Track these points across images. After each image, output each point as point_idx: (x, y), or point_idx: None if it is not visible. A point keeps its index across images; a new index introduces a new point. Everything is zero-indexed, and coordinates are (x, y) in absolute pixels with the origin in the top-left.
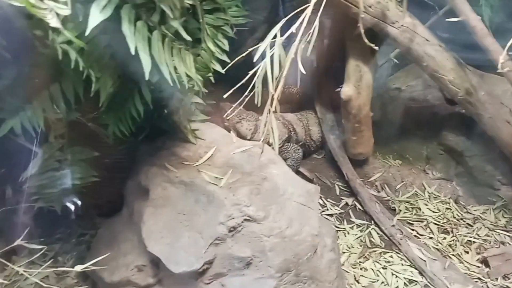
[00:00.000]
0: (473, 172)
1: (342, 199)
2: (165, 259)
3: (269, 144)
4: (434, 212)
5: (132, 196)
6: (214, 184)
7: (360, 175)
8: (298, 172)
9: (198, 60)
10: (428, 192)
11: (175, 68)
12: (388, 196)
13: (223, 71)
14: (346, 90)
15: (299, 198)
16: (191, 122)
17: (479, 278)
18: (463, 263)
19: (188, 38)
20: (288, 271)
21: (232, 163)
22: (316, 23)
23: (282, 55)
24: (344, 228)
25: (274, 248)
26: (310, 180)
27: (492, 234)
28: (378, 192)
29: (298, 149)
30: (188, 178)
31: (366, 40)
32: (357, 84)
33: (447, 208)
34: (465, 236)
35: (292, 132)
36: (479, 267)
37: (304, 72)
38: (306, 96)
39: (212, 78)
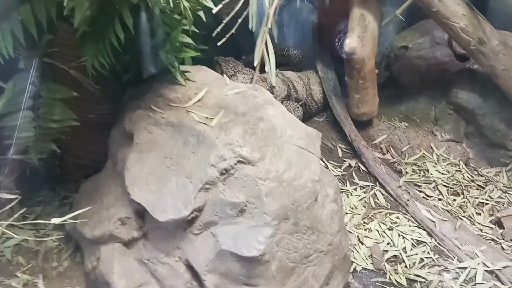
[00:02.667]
0: (485, 132)
1: (345, 161)
2: (150, 207)
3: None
4: (443, 174)
5: (116, 145)
6: (204, 124)
7: (364, 138)
8: None
9: None
10: (436, 154)
11: None
12: (394, 158)
13: (215, 9)
14: (350, 42)
15: (298, 141)
16: (180, 63)
17: (493, 239)
18: (475, 225)
19: None
20: (286, 219)
21: (224, 104)
22: None
23: None
24: (347, 190)
25: (270, 193)
26: None
27: (506, 196)
28: (383, 154)
29: (298, 107)
30: (176, 119)
31: None
32: (361, 36)
33: (457, 170)
34: (476, 198)
35: (292, 90)
36: (492, 228)
37: None
38: (306, 57)
39: (203, 16)
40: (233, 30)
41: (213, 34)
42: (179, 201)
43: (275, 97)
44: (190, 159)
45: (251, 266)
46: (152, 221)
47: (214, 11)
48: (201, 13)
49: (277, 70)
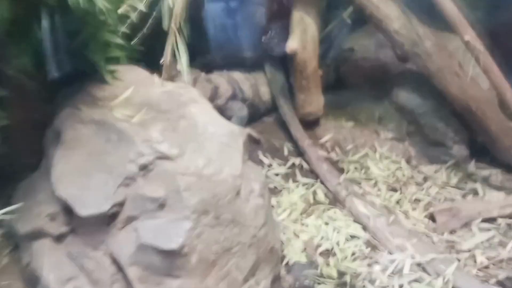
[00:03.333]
0: (425, 130)
1: (290, 159)
2: (73, 202)
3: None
4: (383, 171)
5: (49, 144)
6: (126, 121)
7: (311, 137)
8: None
9: None
10: (379, 152)
11: None
12: (338, 156)
13: (143, 8)
14: (291, 44)
15: (220, 137)
16: (108, 62)
17: (425, 233)
18: (409, 219)
19: None
20: (206, 213)
21: (149, 102)
22: None
23: None
24: (289, 187)
25: (189, 187)
26: (257, 141)
27: (443, 192)
28: (328, 153)
29: (243, 108)
30: (100, 117)
31: None
32: (302, 38)
33: (397, 168)
34: (414, 194)
35: (238, 90)
36: (426, 222)
37: None
38: (256, 57)
39: (133, 17)
40: (144, 30)
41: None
42: (100, 197)
43: (219, 97)
44: (112, 156)
45: (171, 258)
46: (78, 217)
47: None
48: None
49: (224, 70)
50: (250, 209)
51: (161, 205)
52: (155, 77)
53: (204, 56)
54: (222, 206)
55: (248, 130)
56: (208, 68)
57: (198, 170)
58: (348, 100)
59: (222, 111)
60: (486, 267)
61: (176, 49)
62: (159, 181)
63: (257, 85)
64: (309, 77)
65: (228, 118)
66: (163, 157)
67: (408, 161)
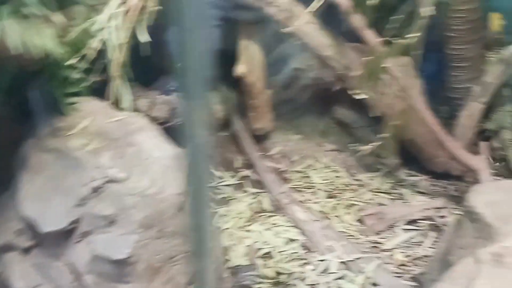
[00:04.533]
0: (361, 142)
1: (241, 171)
2: (36, 220)
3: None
4: (324, 180)
5: (16, 168)
6: (81, 149)
7: (261, 149)
8: None
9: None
10: (322, 162)
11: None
12: (285, 167)
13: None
14: (239, 68)
15: (164, 160)
16: (68, 96)
17: (353, 235)
18: (342, 223)
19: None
20: (150, 227)
21: (102, 131)
22: None
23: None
24: (238, 197)
25: (136, 205)
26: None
27: (375, 197)
28: (276, 164)
29: None
30: (59, 146)
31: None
32: (248, 62)
33: (337, 176)
34: (349, 200)
35: None
36: (356, 225)
37: None
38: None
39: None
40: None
41: None
42: (59, 215)
43: (177, 117)
44: (69, 180)
45: (121, 267)
46: (41, 232)
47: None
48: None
49: None
50: None
51: (111, 222)
52: (109, 108)
53: (165, 78)
54: (165, 221)
55: None
56: (168, 90)
57: (143, 190)
58: (295, 116)
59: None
60: (404, 264)
61: (119, 91)
62: (109, 201)
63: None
64: (257, 96)
65: None
66: (113, 180)
67: (347, 170)
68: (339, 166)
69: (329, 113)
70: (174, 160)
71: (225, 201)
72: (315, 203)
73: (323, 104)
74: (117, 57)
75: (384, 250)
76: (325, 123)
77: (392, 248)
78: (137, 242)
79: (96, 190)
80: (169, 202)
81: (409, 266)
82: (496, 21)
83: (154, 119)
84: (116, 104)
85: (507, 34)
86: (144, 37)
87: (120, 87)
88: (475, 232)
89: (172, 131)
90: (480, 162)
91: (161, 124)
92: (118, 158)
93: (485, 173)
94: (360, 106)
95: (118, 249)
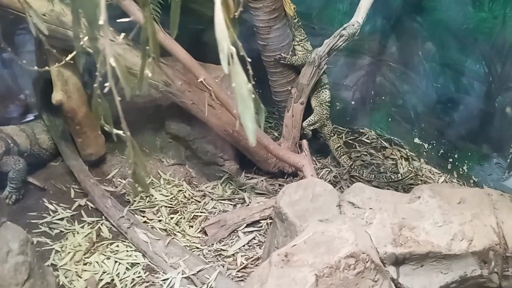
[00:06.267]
0: (198, 154)
1: (76, 201)
2: None
3: None
4: (166, 196)
5: None
6: None
7: (98, 175)
8: (26, 182)
9: None
10: (163, 178)
11: None
12: (125, 189)
13: None
14: (55, 96)
15: None
16: None
17: (197, 247)
18: (185, 237)
19: None
20: None
21: None
22: None
23: None
24: (74, 229)
25: None
26: (42, 189)
27: (218, 205)
28: (116, 187)
29: (19, 160)
30: None
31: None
32: (64, 89)
33: (179, 191)
34: (192, 212)
35: (12, 144)
36: (199, 237)
37: None
38: (32, 105)
39: None
40: None
41: None
42: None
43: None
44: None
45: None
46: None
47: None
48: None
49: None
50: (9, 269)
51: None
52: None
53: None
54: None
55: (30, 179)
56: None
57: None
58: (132, 135)
59: None
60: (245, 267)
61: None
62: None
63: (35, 134)
64: (81, 122)
65: (5, 173)
66: None
67: (189, 182)
68: (180, 180)
69: (163, 129)
70: None
71: (61, 236)
72: (158, 221)
73: (158, 120)
74: None
75: (227, 257)
76: (161, 139)
77: (234, 253)
78: None
79: None
80: None
81: (250, 268)
82: (288, 6)
83: None
84: None
85: (300, 17)
86: None
87: None
88: (284, 231)
89: None
90: (302, 159)
91: None
92: None
93: (308, 169)
94: (190, 119)
95: None
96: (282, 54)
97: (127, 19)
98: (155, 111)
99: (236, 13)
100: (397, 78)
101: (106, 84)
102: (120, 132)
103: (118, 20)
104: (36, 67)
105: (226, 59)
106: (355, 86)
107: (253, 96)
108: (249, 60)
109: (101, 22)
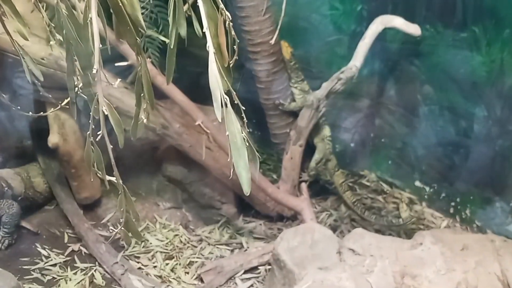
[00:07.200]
0: (195, 197)
1: (69, 246)
2: None
3: None
4: (162, 241)
5: None
6: None
7: (93, 219)
8: (19, 227)
9: None
10: (159, 222)
11: None
12: (119, 234)
13: None
14: (51, 139)
15: None
16: None
17: None
18: (181, 284)
19: None
20: None
21: None
22: None
23: None
24: (67, 276)
25: None
26: (35, 233)
27: (215, 251)
28: (111, 232)
29: (13, 204)
30: None
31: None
32: (60, 132)
33: (175, 235)
34: (188, 258)
35: (6, 188)
36: (195, 284)
37: None
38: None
39: None
40: None
41: None
42: None
43: None
44: None
45: None
46: None
47: None
48: None
49: None
50: None
51: None
52: None
53: None
54: None
55: (23, 224)
56: None
57: None
58: (127, 178)
59: None
60: None
61: None
62: None
63: (30, 177)
64: (76, 165)
65: None
66: None
67: (186, 227)
68: (177, 224)
69: (160, 171)
70: None
71: (53, 283)
72: (153, 267)
73: (154, 163)
74: None
75: None
76: (158, 182)
77: None
78: None
79: None
80: None
81: None
82: (286, 49)
83: None
84: None
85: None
86: None
87: None
88: (283, 279)
89: None
90: (301, 203)
91: None
92: None
93: (307, 212)
94: (188, 162)
95: None
96: (281, 100)
97: (125, 63)
98: (152, 154)
99: (231, 62)
100: (396, 121)
101: (99, 133)
102: (113, 178)
103: (116, 64)
104: (30, 113)
105: (219, 108)
106: (354, 128)
107: (247, 144)
108: (243, 108)
109: (94, 71)
